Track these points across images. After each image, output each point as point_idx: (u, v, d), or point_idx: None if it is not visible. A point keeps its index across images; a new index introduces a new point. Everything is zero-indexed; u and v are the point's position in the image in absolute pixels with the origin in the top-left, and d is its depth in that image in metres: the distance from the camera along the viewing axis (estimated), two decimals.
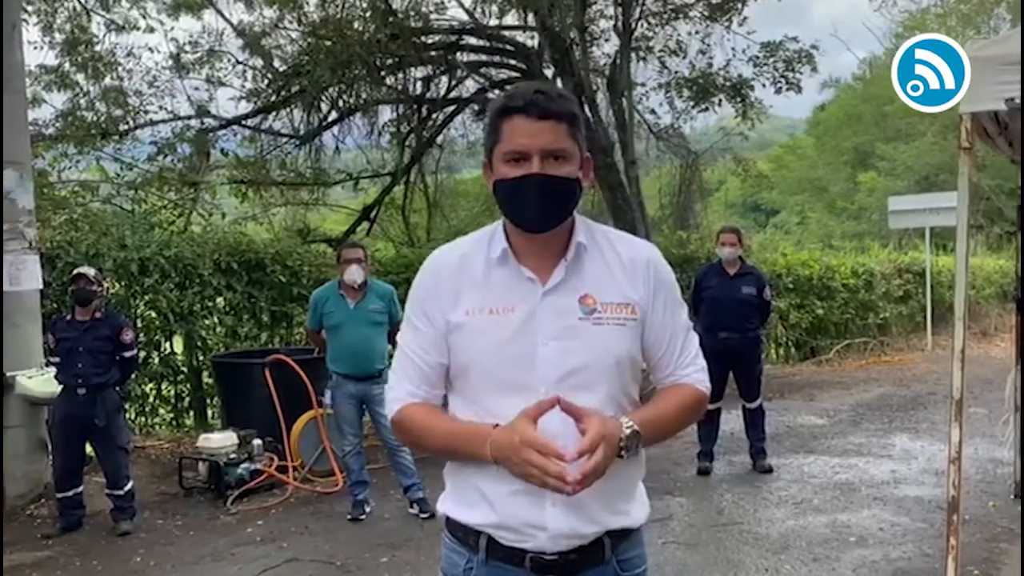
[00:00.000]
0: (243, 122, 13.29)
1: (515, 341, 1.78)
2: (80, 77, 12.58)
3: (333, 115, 13.39)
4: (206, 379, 8.85)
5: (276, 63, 13.02)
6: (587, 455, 1.63)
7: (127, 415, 7.14)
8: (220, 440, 6.77)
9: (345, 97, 12.98)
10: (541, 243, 1.82)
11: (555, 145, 1.76)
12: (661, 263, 1.90)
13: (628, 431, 1.72)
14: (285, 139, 13.48)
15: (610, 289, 1.83)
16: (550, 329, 1.78)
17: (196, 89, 13.01)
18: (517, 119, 1.76)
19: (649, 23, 13.62)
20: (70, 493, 5.90)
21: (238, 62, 13.02)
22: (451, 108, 14.15)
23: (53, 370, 6.05)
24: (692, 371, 1.91)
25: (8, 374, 6.33)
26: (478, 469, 1.79)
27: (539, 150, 1.75)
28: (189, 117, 12.92)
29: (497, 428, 1.71)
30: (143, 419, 8.61)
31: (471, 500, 1.82)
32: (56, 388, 5.94)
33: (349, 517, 6.03)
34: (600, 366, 1.79)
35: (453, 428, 1.82)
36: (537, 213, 1.78)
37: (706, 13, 13.50)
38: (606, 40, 13.84)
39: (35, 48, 12.09)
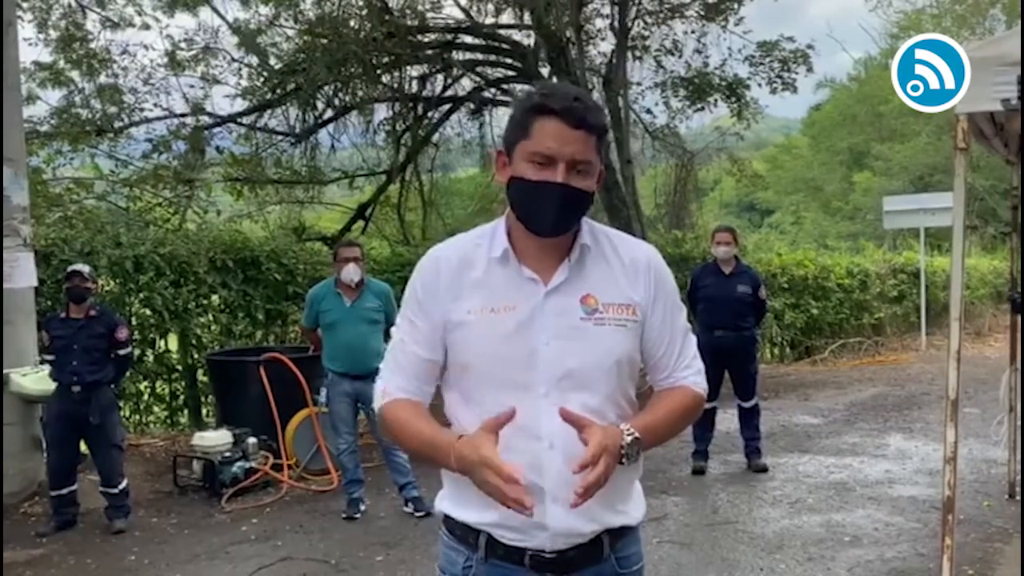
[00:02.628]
0: (238, 120, 13.29)
1: (516, 340, 1.77)
2: (75, 74, 12.51)
3: (329, 113, 13.38)
4: (201, 377, 8.81)
5: (272, 61, 13.01)
6: (589, 467, 1.64)
7: (121, 413, 7.11)
8: (215, 438, 6.76)
9: (341, 95, 12.96)
10: (544, 243, 1.81)
11: (583, 157, 1.74)
12: (661, 265, 1.90)
13: (629, 438, 1.72)
14: (280, 137, 13.47)
15: (612, 290, 1.82)
16: (551, 329, 1.78)
17: (191, 86, 12.97)
18: (551, 121, 1.72)
19: (645, 22, 13.62)
20: (64, 491, 5.89)
21: (234, 59, 13.01)
22: (447, 107, 14.16)
23: (47, 368, 6.04)
24: (689, 374, 1.91)
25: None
26: None
27: (566, 159, 1.73)
28: (184, 115, 12.88)
29: (460, 440, 1.69)
30: (137, 417, 8.58)
31: (470, 499, 1.80)
32: (50, 386, 5.92)
33: (344, 516, 6.01)
34: (600, 367, 1.79)
35: (423, 434, 1.79)
36: (550, 221, 1.77)
37: (702, 12, 13.50)
38: (602, 39, 13.86)
39: (30, 45, 12.03)
